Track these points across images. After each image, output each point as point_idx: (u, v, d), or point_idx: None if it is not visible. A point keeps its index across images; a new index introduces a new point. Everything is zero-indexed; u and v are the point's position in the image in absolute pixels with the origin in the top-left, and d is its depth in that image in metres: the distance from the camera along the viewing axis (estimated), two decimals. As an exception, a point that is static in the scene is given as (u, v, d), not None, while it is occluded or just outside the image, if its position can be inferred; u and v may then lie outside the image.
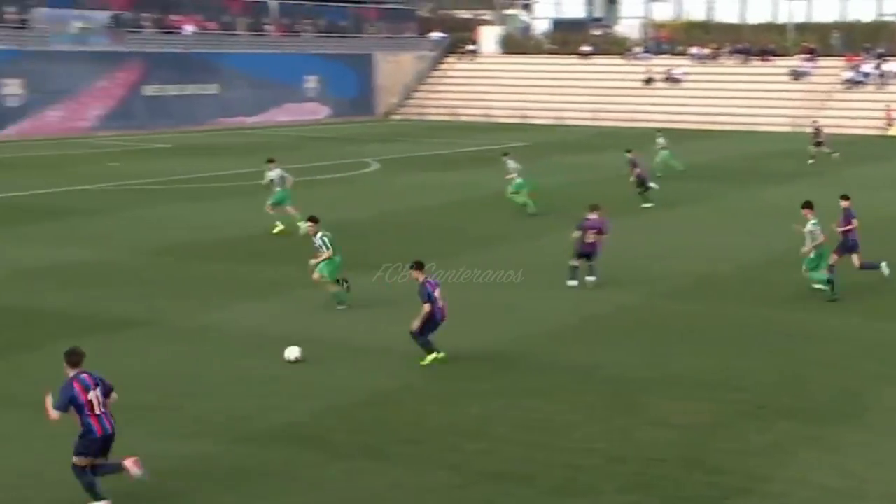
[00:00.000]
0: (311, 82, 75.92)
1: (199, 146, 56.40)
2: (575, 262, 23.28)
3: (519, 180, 33.66)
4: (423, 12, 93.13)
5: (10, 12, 62.80)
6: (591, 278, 23.21)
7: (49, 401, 12.24)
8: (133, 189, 39.30)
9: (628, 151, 37.20)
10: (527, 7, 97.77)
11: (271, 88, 72.61)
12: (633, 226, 29.89)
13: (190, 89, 68.42)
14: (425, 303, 17.42)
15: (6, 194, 37.19)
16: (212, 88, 69.66)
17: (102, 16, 66.06)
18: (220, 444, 14.07)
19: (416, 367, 17.44)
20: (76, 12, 65.02)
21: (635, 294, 22.69)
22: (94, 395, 12.20)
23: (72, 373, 12.26)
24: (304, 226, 26.07)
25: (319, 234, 21.64)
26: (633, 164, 36.11)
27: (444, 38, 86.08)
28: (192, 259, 26.28)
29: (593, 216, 23.38)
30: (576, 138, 62.49)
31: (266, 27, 76.88)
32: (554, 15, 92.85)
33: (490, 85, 79.36)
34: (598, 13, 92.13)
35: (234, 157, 51.17)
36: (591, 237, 23.11)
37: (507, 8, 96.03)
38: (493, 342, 18.99)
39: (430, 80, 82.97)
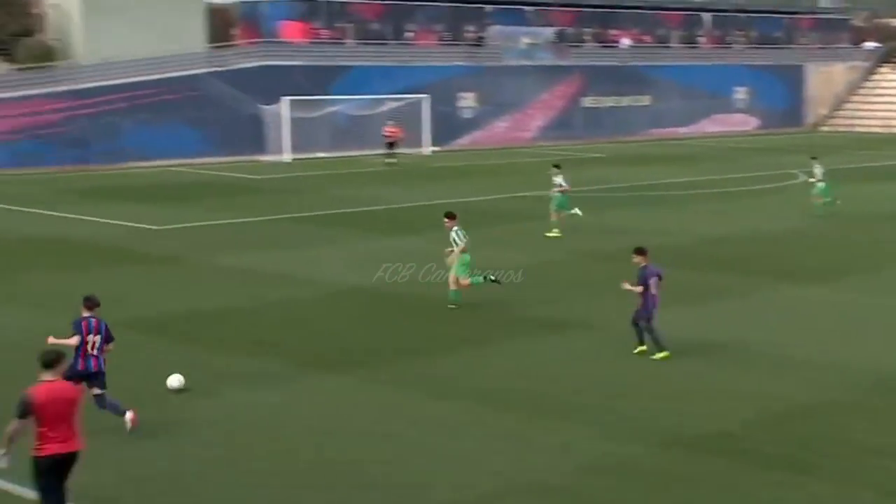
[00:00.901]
0: (741, 93, 74.67)
1: (632, 156, 57.08)
2: None
3: (822, 185, 33.64)
4: (858, 21, 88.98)
5: (469, 31, 66.49)
6: None
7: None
8: (572, 196, 40.39)
9: None
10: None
11: (701, 99, 72.16)
12: None
13: (625, 101, 69.34)
14: (640, 285, 17.84)
15: (461, 199, 39.49)
16: (644, 100, 70.21)
17: (548, 31, 68.34)
18: (648, 447, 14.21)
19: (841, 382, 16.93)
20: (525, 29, 67.67)
21: None
22: (91, 339, 14.42)
23: (85, 314, 14.49)
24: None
25: (455, 229, 21.54)
26: None
27: (878, 47, 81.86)
28: (603, 262, 26.79)
29: None
30: None
31: (698, 39, 76.50)
32: None
33: (927, 95, 74.70)
34: None
35: (666, 166, 51.46)
36: None
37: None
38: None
39: (862, 91, 79.15)
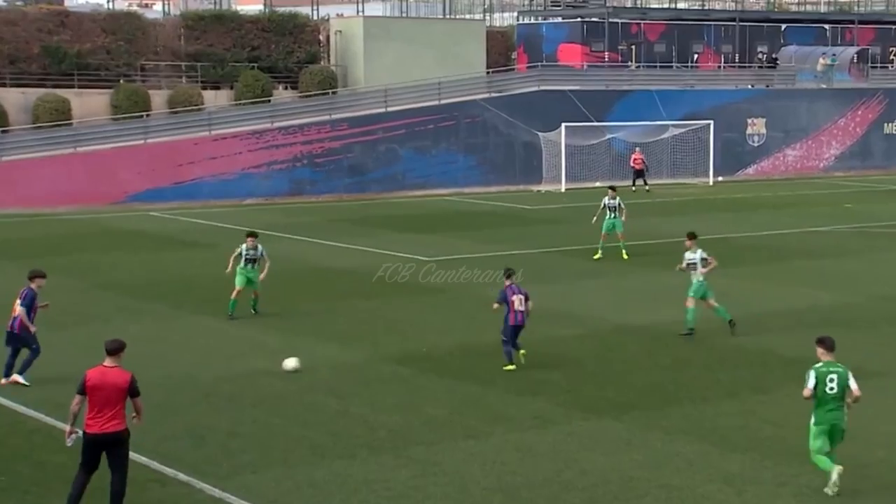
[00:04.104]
0: None
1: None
2: None
3: None
4: None
5: (761, 52, 65.22)
6: None
7: None
8: (868, 232, 39.00)
9: None
10: None
11: None
12: None
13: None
14: (500, 303, 19.91)
15: (742, 234, 38.78)
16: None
17: (849, 51, 65.80)
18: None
19: None
20: (822, 49, 65.46)
21: None
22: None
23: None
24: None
25: (261, 249, 24.68)
26: None
27: None
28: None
29: None
30: None
31: None
32: None
33: None
34: None
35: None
36: None
37: None
38: None
39: None
